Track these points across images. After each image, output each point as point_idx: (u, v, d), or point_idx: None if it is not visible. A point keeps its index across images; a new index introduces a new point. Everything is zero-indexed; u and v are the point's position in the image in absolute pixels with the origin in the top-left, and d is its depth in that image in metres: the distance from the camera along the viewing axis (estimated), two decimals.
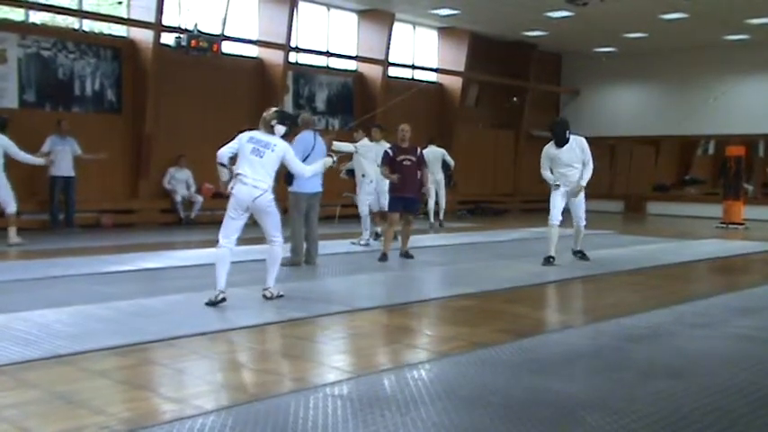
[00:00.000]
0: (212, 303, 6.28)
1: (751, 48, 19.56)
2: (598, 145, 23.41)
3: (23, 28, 13.03)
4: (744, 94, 20.23)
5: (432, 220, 14.84)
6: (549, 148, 9.27)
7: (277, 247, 6.65)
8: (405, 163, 9.56)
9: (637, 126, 21.89)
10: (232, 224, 6.45)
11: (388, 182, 10.00)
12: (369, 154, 11.29)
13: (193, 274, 8.24)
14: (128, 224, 13.75)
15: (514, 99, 20.21)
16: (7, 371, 4.38)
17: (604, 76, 22.49)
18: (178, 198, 14.35)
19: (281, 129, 6.56)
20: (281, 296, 6.69)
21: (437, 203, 14.96)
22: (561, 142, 9.17)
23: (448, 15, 17.91)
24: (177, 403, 3.95)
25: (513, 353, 5.09)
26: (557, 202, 9.31)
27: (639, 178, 23.21)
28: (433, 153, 14.27)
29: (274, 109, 6.75)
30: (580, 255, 9.82)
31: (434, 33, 19.87)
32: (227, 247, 6.41)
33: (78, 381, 4.27)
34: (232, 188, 6.45)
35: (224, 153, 6.49)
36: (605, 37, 19.78)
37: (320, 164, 7.19)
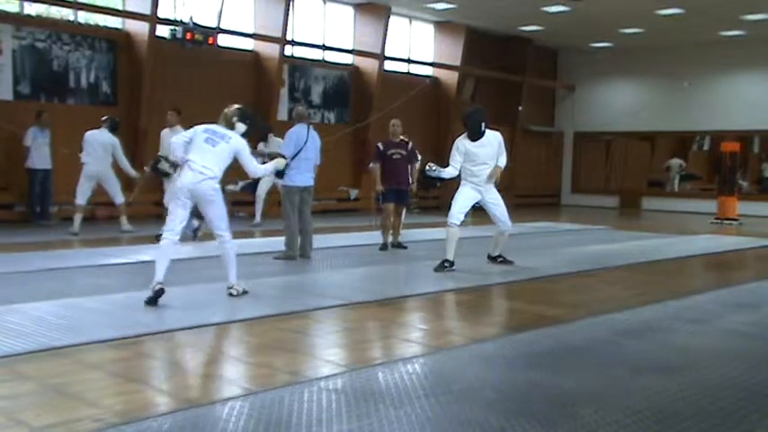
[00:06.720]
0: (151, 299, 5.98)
1: (747, 44, 19.57)
2: (594, 140, 23.74)
3: (18, 19, 12.95)
4: (739, 90, 20.26)
5: None
6: (463, 142, 8.12)
7: (226, 243, 6.35)
8: (394, 156, 9.93)
9: (632, 122, 21.91)
10: (176, 212, 6.19)
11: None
12: None
13: (187, 267, 8.22)
14: None
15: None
16: (1, 363, 4.38)
17: (600, 71, 22.49)
18: None
19: (241, 127, 6.39)
20: (246, 292, 6.44)
21: None
22: (476, 136, 8.05)
23: (444, 9, 17.88)
24: (171, 396, 3.95)
25: (507, 347, 5.11)
26: (461, 201, 8.26)
27: (634, 174, 23.25)
28: None
29: (236, 106, 6.56)
30: (501, 259, 8.80)
31: (431, 27, 19.83)
32: (168, 239, 6.14)
33: (72, 373, 4.27)
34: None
35: (177, 144, 6.31)
36: (601, 32, 19.78)
37: (273, 164, 7.08)
